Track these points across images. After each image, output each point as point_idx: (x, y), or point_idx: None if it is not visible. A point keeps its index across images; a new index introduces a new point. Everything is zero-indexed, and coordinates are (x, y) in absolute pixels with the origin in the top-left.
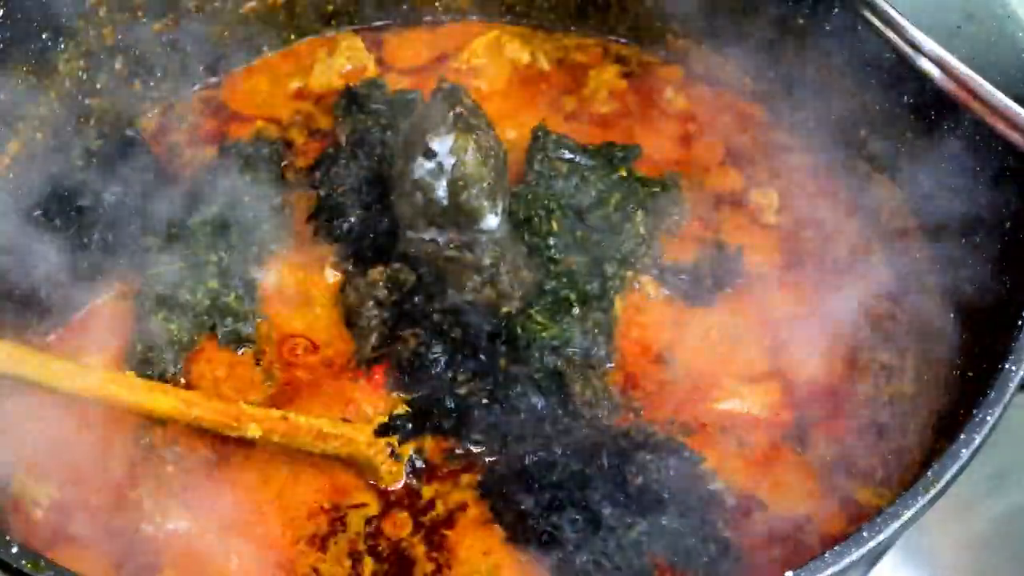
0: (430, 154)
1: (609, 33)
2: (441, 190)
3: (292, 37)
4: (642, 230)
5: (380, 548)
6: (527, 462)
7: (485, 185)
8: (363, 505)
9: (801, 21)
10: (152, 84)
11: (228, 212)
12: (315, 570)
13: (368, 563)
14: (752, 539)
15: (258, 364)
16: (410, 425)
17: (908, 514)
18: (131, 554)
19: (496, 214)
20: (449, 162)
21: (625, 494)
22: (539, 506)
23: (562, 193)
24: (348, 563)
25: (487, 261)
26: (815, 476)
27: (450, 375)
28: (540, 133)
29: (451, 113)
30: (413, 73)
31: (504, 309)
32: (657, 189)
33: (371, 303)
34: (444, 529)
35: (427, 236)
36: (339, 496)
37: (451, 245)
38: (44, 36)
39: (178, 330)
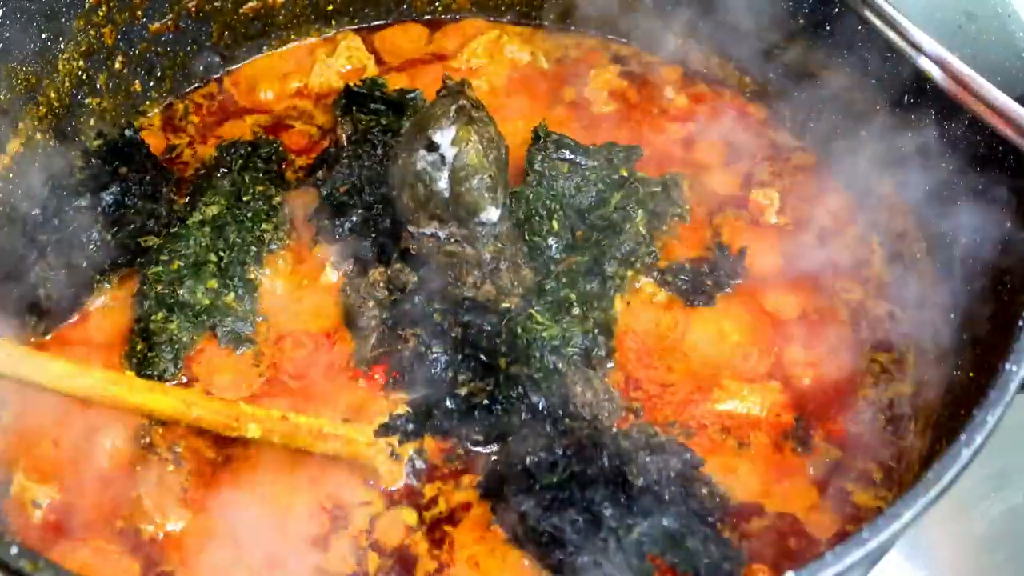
0: (432, 146)
1: (609, 33)
2: (443, 181)
3: (292, 37)
4: (642, 230)
5: (383, 545)
6: (527, 462)
7: (486, 177)
8: (367, 504)
9: (801, 21)
10: (152, 84)
11: (228, 212)
12: (319, 569)
13: (373, 559)
14: (753, 540)
15: (258, 364)
16: (410, 425)
17: (908, 514)
18: (131, 554)
19: (497, 207)
20: (451, 153)
21: (626, 495)
22: (540, 507)
23: (562, 193)
24: (352, 560)
25: (487, 256)
26: (815, 477)
27: (450, 375)
28: (540, 133)
29: (453, 106)
30: (413, 73)
31: (504, 304)
32: (657, 189)
33: (371, 303)
34: (447, 527)
35: (428, 231)
36: (341, 496)
37: (452, 239)
38: (44, 36)
39: (178, 330)
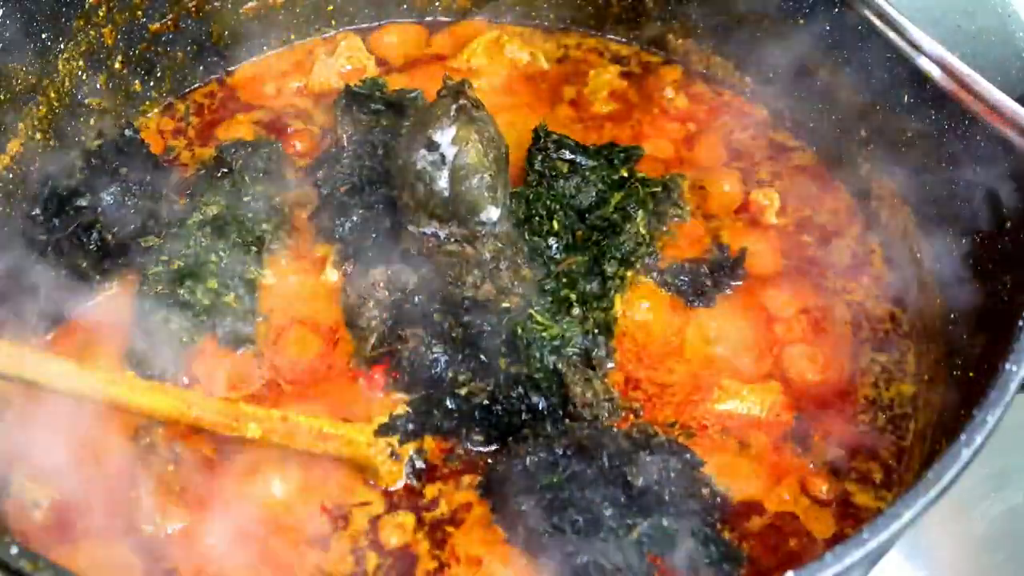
0: (433, 146)
1: (609, 33)
2: (443, 180)
3: (292, 37)
4: (642, 230)
5: (383, 544)
6: (527, 462)
7: (486, 176)
8: (367, 504)
9: (801, 21)
10: (152, 84)
11: (228, 212)
12: (319, 568)
13: (372, 559)
14: (752, 540)
15: (258, 365)
16: (410, 425)
17: (908, 514)
18: (131, 554)
19: (497, 207)
20: (451, 152)
21: (626, 495)
22: (540, 507)
23: (563, 193)
24: (351, 560)
25: (487, 255)
26: (815, 477)
27: (450, 375)
28: (540, 133)
29: (454, 106)
30: (413, 73)
31: (504, 304)
32: (657, 189)
33: (371, 303)
34: (447, 527)
35: (428, 230)
36: (341, 496)
37: (452, 239)
38: (44, 36)
39: (178, 330)
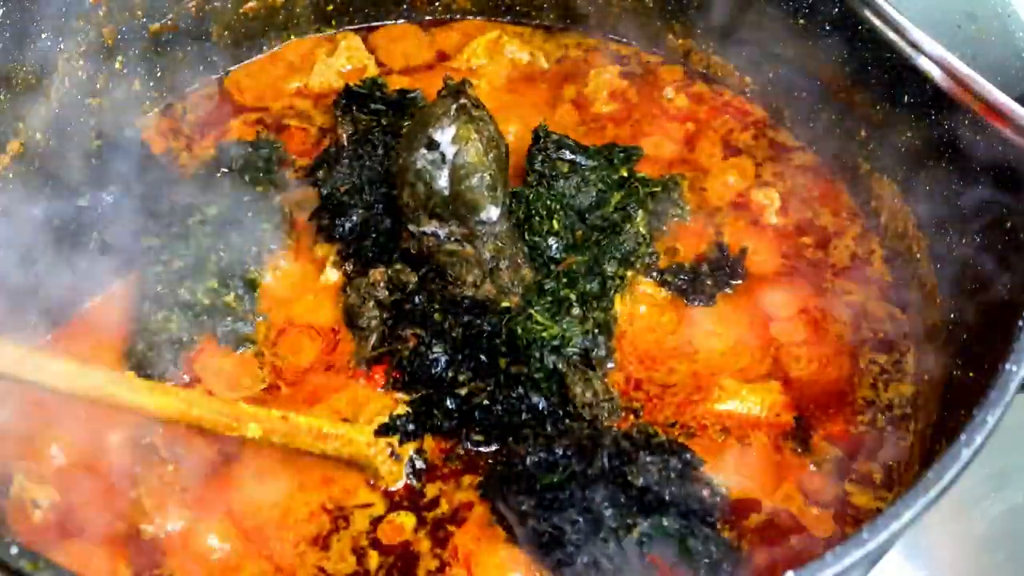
0: (433, 145)
1: (609, 33)
2: (443, 179)
3: (292, 37)
4: (642, 230)
5: (384, 544)
6: (527, 462)
7: (487, 175)
8: (368, 505)
9: (801, 21)
10: (152, 84)
11: (228, 212)
12: (320, 569)
13: (373, 556)
14: (752, 540)
15: (260, 366)
16: (410, 425)
17: (908, 514)
18: (131, 555)
19: (497, 206)
20: (451, 152)
21: (626, 495)
22: (540, 507)
23: (563, 193)
24: (353, 559)
25: (487, 255)
26: (815, 477)
27: (450, 375)
28: (541, 133)
29: (454, 105)
30: (413, 73)
31: (504, 304)
32: (657, 189)
33: (371, 303)
34: (449, 526)
35: (428, 230)
36: (341, 496)
37: (452, 238)
38: (44, 36)
39: (178, 330)
